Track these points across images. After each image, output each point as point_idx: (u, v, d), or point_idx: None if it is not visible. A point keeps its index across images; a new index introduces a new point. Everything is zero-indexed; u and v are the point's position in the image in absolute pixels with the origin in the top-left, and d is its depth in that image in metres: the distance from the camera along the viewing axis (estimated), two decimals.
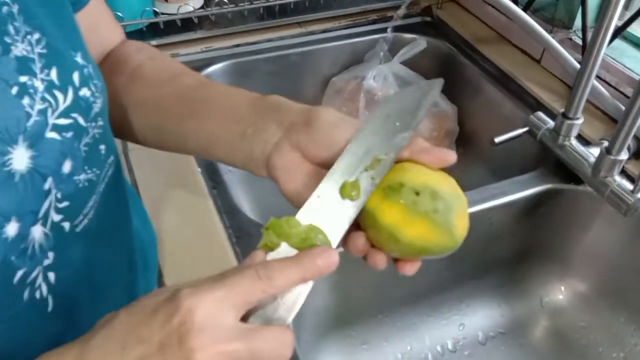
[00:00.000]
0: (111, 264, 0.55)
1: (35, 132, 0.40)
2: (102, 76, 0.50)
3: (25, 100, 0.39)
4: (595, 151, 0.83)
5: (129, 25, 1.08)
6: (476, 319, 0.97)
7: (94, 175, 0.47)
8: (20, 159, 0.39)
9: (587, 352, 0.94)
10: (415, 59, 1.17)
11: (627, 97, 0.94)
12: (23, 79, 0.39)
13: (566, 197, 0.89)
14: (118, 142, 0.57)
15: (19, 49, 0.40)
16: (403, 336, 0.94)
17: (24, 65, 0.40)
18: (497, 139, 0.90)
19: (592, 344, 0.94)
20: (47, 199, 0.42)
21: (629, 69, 0.96)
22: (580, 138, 0.92)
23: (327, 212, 0.42)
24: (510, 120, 1.05)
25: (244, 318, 0.37)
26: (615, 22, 0.73)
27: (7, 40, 0.39)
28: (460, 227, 0.41)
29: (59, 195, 0.43)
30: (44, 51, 0.42)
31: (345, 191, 0.42)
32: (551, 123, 0.88)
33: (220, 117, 0.51)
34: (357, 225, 0.43)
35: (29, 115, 0.39)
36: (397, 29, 1.20)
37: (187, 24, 1.14)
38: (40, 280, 0.43)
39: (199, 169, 0.88)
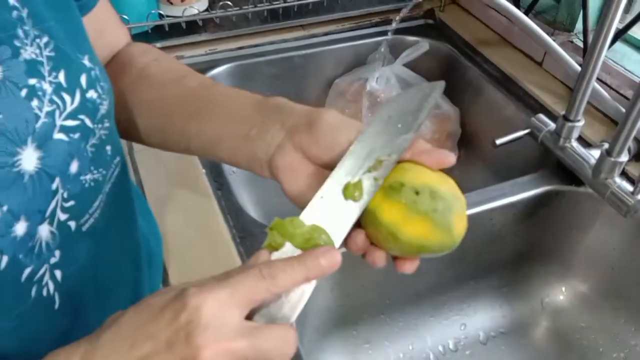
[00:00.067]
0: (117, 262, 0.56)
1: (44, 134, 0.41)
2: (109, 78, 0.51)
3: (34, 102, 0.40)
4: (595, 153, 0.83)
5: (135, 28, 1.09)
6: (477, 319, 0.98)
7: (100, 176, 0.48)
8: (29, 159, 0.40)
9: (587, 352, 0.94)
10: (417, 61, 1.18)
11: (628, 99, 0.94)
12: (32, 81, 0.40)
13: (567, 199, 0.89)
14: (124, 143, 0.58)
15: (28, 52, 0.41)
16: (405, 336, 0.94)
17: (33, 68, 0.41)
18: (499, 141, 0.91)
19: (592, 345, 0.94)
20: (54, 198, 0.43)
21: (629, 71, 0.96)
22: (582, 140, 0.92)
23: (330, 212, 0.42)
24: (511, 122, 1.06)
25: (249, 316, 0.38)
26: (615, 25, 0.74)
27: (17, 43, 0.40)
28: (459, 227, 0.42)
29: (65, 195, 0.44)
30: (52, 54, 0.43)
31: (348, 192, 0.43)
32: (552, 125, 0.88)
33: (224, 118, 0.52)
34: (357, 223, 0.44)
35: (37, 117, 0.40)
36: (399, 31, 1.20)
37: (191, 26, 1.15)
38: (47, 278, 0.44)
39: (204, 170, 0.89)
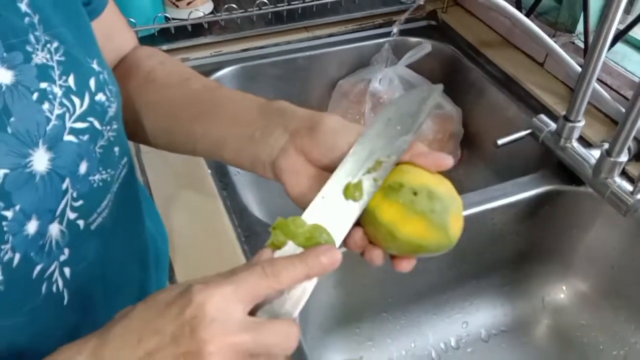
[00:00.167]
0: (124, 260, 0.57)
1: (54, 136, 0.42)
2: (117, 81, 0.52)
3: (45, 106, 0.42)
4: (596, 153, 0.83)
5: (141, 31, 1.10)
6: (479, 317, 0.98)
7: (109, 176, 0.49)
8: (40, 160, 0.41)
9: (587, 350, 0.94)
10: (420, 63, 1.18)
11: (629, 100, 0.94)
12: (43, 85, 0.42)
13: (567, 198, 0.90)
14: (131, 145, 0.59)
15: (39, 57, 0.42)
16: (407, 333, 0.95)
17: (44, 72, 0.42)
18: (500, 141, 0.91)
19: (592, 342, 0.94)
20: (64, 198, 0.44)
21: (630, 72, 0.97)
22: (582, 140, 0.93)
23: (331, 212, 0.43)
24: (513, 123, 1.06)
25: (252, 312, 0.39)
26: (615, 26, 0.74)
27: (29, 49, 0.41)
28: (455, 227, 0.43)
29: (74, 195, 0.45)
30: (63, 59, 0.44)
31: (349, 192, 0.44)
32: (553, 125, 0.89)
33: (228, 121, 0.53)
34: (357, 222, 0.45)
35: (48, 120, 0.42)
36: (402, 32, 1.21)
37: (197, 29, 1.16)
38: (56, 274, 0.45)
39: (209, 171, 0.89)
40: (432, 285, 0.94)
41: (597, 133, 0.96)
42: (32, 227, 0.42)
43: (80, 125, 0.44)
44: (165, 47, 1.12)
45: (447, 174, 0.45)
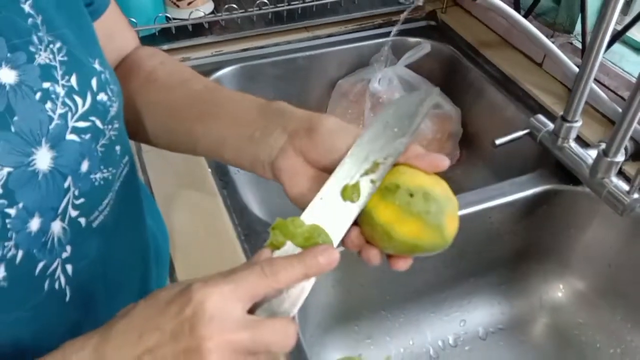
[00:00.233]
0: (125, 258, 0.58)
1: (57, 135, 0.43)
2: (118, 81, 0.52)
3: (48, 105, 0.42)
4: (593, 153, 0.84)
5: (142, 31, 1.11)
6: (477, 315, 0.99)
7: (110, 174, 0.50)
8: (43, 159, 0.42)
9: (584, 348, 0.95)
10: (419, 62, 1.19)
11: (625, 100, 0.95)
12: (46, 85, 0.42)
13: (565, 198, 0.91)
14: (132, 144, 0.59)
15: (42, 57, 0.43)
16: (405, 331, 0.96)
17: (46, 72, 0.43)
18: (498, 141, 0.92)
19: (589, 341, 0.95)
20: (66, 196, 0.45)
21: (627, 72, 0.97)
22: (580, 140, 0.93)
23: (330, 213, 0.44)
24: (512, 123, 1.07)
25: (251, 311, 0.40)
26: (612, 27, 0.75)
27: (32, 49, 0.42)
28: (450, 228, 0.44)
29: (76, 193, 0.46)
30: (65, 59, 0.45)
31: (347, 193, 0.44)
32: (551, 125, 0.89)
33: (228, 121, 0.54)
34: (355, 222, 0.45)
35: (51, 119, 0.42)
36: (401, 33, 1.22)
37: (197, 29, 1.16)
38: (59, 271, 0.46)
39: (209, 170, 0.90)
40: (431, 283, 0.95)
41: (595, 133, 0.97)
42: (34, 224, 0.42)
43: (82, 124, 0.45)
44: (166, 47, 1.12)
45: (446, 173, 0.45)
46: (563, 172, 0.90)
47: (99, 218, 0.49)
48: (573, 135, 0.87)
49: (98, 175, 0.48)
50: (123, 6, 0.64)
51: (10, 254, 0.41)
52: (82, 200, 0.46)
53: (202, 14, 1.15)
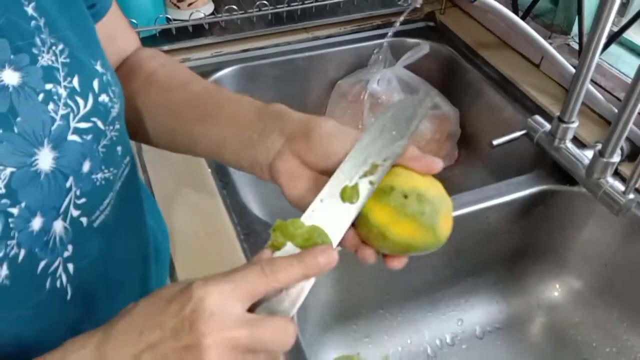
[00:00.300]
0: (126, 257, 0.58)
1: (59, 135, 0.43)
2: (120, 82, 0.53)
3: (50, 106, 0.43)
4: (589, 154, 0.84)
5: (143, 32, 1.11)
6: (474, 314, 0.99)
7: (111, 175, 0.51)
8: (45, 159, 0.43)
9: (581, 347, 0.95)
10: (418, 63, 1.20)
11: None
12: (48, 86, 0.43)
13: (561, 198, 0.91)
14: (133, 144, 0.59)
15: (45, 59, 0.43)
16: (403, 330, 0.96)
17: (49, 74, 0.43)
18: (495, 142, 0.92)
19: (586, 339, 0.95)
20: (67, 196, 0.45)
21: (624, 74, 0.98)
22: (577, 141, 0.94)
23: (329, 214, 0.45)
24: (509, 123, 1.07)
25: (251, 310, 0.40)
26: (608, 28, 0.75)
27: (35, 51, 0.43)
28: (444, 228, 0.45)
29: (78, 193, 0.46)
30: (67, 60, 0.45)
31: (346, 195, 0.45)
32: (548, 126, 0.90)
33: (228, 122, 0.54)
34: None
35: (53, 120, 0.43)
36: (400, 34, 1.22)
37: (198, 30, 1.17)
38: (60, 270, 0.47)
39: (209, 170, 0.90)
40: (428, 282, 0.95)
41: (591, 134, 0.97)
42: (36, 223, 0.43)
43: (84, 125, 0.46)
44: (166, 48, 1.13)
45: (444, 173, 0.46)
46: (560, 172, 0.90)
47: (100, 218, 0.50)
48: (569, 135, 0.87)
49: (99, 176, 0.49)
50: (124, 7, 0.64)
51: (12, 252, 0.42)
52: (83, 200, 0.47)
53: (202, 15, 1.15)
